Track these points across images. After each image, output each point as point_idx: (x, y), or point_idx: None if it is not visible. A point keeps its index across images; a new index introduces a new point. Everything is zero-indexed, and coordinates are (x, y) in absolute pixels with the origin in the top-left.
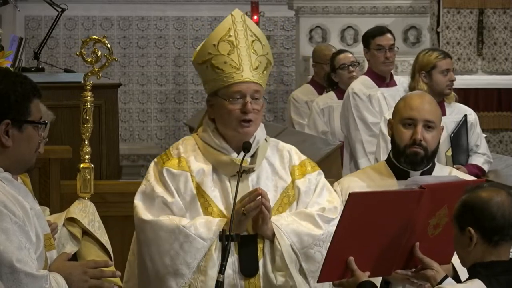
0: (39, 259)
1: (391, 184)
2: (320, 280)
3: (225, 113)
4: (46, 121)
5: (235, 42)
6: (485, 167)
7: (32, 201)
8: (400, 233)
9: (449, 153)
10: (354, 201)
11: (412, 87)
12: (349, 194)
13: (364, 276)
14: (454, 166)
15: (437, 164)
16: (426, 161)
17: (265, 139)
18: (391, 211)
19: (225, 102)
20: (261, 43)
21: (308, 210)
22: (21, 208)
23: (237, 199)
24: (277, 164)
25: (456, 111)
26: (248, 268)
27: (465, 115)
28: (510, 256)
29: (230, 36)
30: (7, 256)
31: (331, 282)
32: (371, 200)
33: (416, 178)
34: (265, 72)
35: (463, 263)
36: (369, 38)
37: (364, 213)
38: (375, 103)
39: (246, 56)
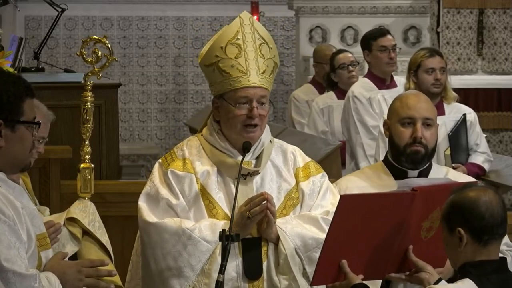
0: (30, 259)
1: (389, 184)
2: (313, 283)
3: (231, 118)
4: (39, 121)
5: (243, 45)
6: (485, 166)
7: (26, 200)
8: (393, 236)
9: (448, 152)
10: (345, 203)
11: (406, 88)
12: (341, 196)
13: (357, 278)
14: (454, 165)
15: (434, 164)
16: (426, 159)
17: (270, 141)
18: (383, 213)
19: (231, 106)
20: (269, 46)
21: (312, 213)
22: (12, 208)
23: (242, 201)
24: (281, 166)
25: (455, 110)
26: (252, 271)
27: (464, 114)
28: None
29: (238, 39)
30: None
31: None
32: (363, 202)
33: (408, 181)
34: (271, 75)
35: (453, 264)
36: (370, 40)
37: (356, 215)
38: (376, 106)
39: (254, 60)
